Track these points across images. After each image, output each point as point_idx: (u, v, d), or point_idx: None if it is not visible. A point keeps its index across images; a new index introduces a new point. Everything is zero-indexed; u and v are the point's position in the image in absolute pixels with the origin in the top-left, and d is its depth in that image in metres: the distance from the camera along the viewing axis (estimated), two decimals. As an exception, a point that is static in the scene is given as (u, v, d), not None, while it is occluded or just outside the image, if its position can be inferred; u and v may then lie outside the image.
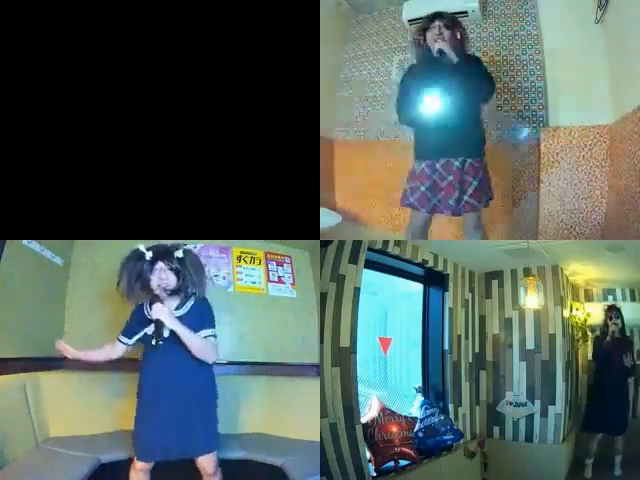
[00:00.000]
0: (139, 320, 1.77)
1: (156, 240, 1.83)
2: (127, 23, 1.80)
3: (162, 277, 1.69)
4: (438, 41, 2.16)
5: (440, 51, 2.15)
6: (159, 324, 1.64)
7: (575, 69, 2.57)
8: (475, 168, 2.24)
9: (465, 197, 2.24)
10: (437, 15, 2.23)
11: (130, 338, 1.79)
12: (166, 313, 1.64)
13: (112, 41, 1.79)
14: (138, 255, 1.71)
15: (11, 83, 1.76)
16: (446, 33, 2.17)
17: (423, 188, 2.30)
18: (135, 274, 1.70)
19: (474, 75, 2.17)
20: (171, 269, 1.71)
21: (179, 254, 1.73)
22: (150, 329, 1.68)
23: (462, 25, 2.24)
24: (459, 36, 2.19)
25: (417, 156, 2.35)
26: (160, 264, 1.70)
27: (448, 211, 2.30)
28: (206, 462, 1.76)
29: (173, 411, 1.70)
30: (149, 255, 1.70)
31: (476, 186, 2.23)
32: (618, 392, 2.93)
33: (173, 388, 1.71)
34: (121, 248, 1.84)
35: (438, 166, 2.27)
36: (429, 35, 2.20)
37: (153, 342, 1.64)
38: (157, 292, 1.70)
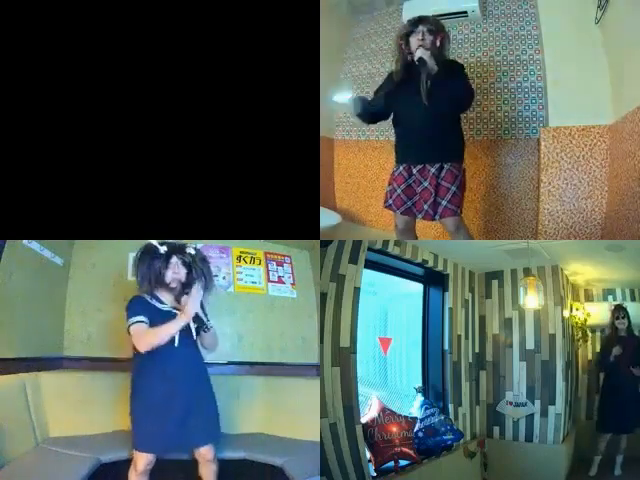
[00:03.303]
0: (144, 308, 1.73)
1: (156, 240, 1.83)
2: (128, 24, 1.80)
3: (176, 271, 1.78)
4: (420, 49, 2.15)
5: (421, 59, 2.15)
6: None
7: (575, 69, 2.56)
8: (453, 174, 2.27)
9: (444, 202, 2.27)
10: (421, 20, 2.22)
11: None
12: (200, 296, 1.73)
13: (113, 41, 1.79)
14: (153, 249, 1.79)
15: (11, 83, 1.76)
16: (428, 39, 2.17)
17: (399, 190, 2.37)
18: (151, 267, 1.76)
19: (452, 84, 2.17)
20: (184, 263, 1.79)
21: (191, 250, 1.82)
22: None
23: (445, 30, 2.24)
24: (439, 42, 2.18)
25: (397, 159, 2.42)
26: (175, 258, 1.78)
27: (421, 215, 2.35)
28: (206, 449, 1.83)
29: (180, 406, 1.73)
30: (163, 249, 1.78)
31: (454, 191, 2.26)
32: (627, 391, 2.92)
33: (182, 382, 1.76)
34: (121, 248, 1.84)
35: (415, 171, 2.33)
36: (412, 40, 2.19)
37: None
38: (172, 285, 1.77)
